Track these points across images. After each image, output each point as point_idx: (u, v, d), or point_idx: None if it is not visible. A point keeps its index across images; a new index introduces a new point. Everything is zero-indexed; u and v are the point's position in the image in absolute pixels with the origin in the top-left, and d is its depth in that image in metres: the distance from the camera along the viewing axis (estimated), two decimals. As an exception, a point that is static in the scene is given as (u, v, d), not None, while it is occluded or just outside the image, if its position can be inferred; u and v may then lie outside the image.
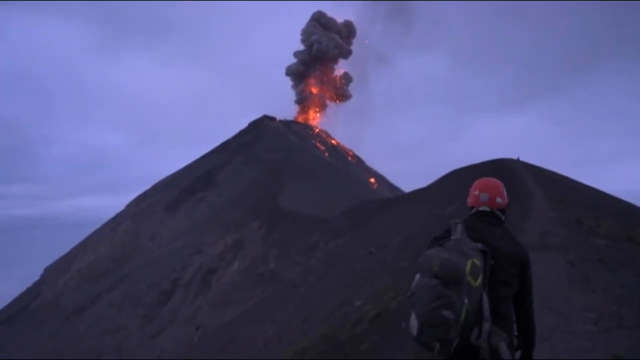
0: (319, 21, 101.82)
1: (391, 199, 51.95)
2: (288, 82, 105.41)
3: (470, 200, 3.71)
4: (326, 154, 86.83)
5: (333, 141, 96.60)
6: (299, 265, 40.42)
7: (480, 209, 3.60)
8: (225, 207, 60.44)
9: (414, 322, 3.08)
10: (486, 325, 3.11)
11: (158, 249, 58.70)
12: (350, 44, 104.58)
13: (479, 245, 3.24)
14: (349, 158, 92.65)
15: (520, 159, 36.47)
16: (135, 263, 57.90)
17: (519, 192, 23.30)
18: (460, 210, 26.34)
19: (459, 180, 35.48)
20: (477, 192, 3.65)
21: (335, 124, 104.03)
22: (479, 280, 3.09)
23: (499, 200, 3.59)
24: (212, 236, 53.98)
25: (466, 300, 3.02)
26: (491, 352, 3.11)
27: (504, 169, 32.03)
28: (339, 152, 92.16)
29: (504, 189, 3.67)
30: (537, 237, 12.59)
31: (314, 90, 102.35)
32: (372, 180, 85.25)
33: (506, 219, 3.66)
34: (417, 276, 3.25)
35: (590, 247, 11.94)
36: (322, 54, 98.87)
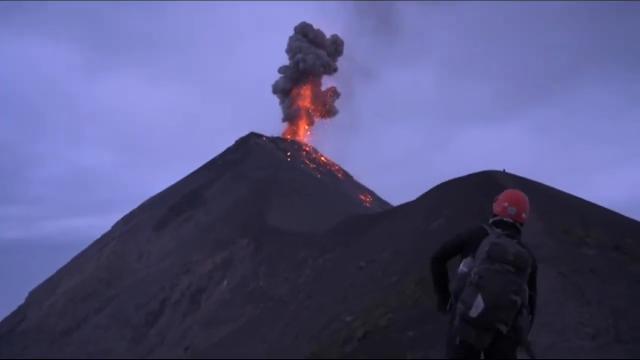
0: (305, 34, 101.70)
1: (379, 214, 52.02)
2: (275, 99, 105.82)
3: (497, 209, 4.01)
4: (314, 170, 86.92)
5: (321, 157, 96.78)
6: (289, 282, 40.17)
7: (505, 219, 3.93)
8: (213, 225, 60.08)
9: (478, 304, 3.38)
10: (525, 311, 3.56)
11: (146, 269, 58.04)
12: (336, 60, 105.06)
13: (525, 244, 3.74)
14: (337, 174, 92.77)
15: (506, 171, 36.70)
16: (122, 284, 57.16)
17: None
18: (446, 225, 26.42)
19: (445, 194, 35.63)
20: (506, 204, 3.96)
21: (323, 140, 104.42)
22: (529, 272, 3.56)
23: (524, 216, 3.96)
24: (201, 255, 53.54)
25: (526, 288, 3.47)
26: (515, 331, 3.53)
27: (490, 181, 32.22)
28: (327, 169, 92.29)
29: (529, 204, 4.05)
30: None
31: (302, 107, 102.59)
32: (364, 197, 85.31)
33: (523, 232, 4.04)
34: (470, 260, 3.69)
35: (580, 257, 11.96)
36: (308, 71, 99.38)
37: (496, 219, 3.96)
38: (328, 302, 27.32)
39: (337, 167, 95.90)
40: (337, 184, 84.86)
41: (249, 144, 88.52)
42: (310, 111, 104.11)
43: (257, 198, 62.95)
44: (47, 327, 56.36)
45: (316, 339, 19.63)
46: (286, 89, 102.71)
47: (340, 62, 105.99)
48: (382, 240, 34.07)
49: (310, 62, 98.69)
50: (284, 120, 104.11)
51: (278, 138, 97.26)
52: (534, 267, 3.76)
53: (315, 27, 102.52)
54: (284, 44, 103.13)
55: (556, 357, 6.70)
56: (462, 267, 3.72)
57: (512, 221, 3.90)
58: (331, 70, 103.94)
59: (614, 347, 7.08)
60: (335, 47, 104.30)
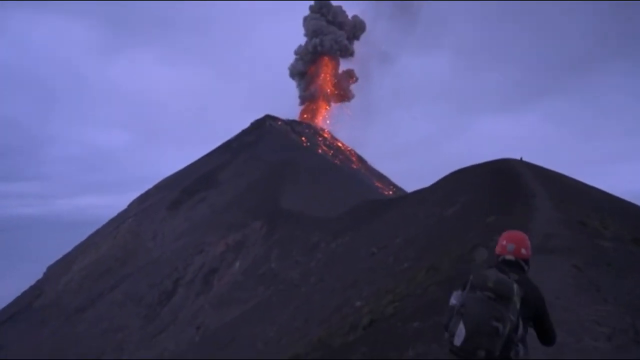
0: (323, 13, 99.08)
1: (392, 199, 51.77)
2: (291, 81, 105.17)
3: (498, 249, 4.06)
4: (329, 154, 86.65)
5: (336, 141, 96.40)
6: (300, 265, 40.29)
7: (507, 257, 3.98)
8: (227, 207, 60.35)
9: (460, 331, 3.41)
10: (520, 344, 3.55)
11: (160, 248, 58.65)
12: (354, 42, 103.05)
13: (515, 277, 3.71)
14: (352, 158, 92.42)
15: (523, 159, 36.25)
16: (136, 262, 57.87)
17: (522, 192, 23.09)
18: (461, 212, 26.16)
19: (461, 180, 35.28)
20: (504, 242, 4.03)
21: (338, 123, 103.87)
22: (519, 304, 3.50)
23: (523, 251, 3.98)
24: (214, 236, 53.89)
25: (512, 317, 3.41)
26: None
27: (506, 170, 31.82)
28: (341, 152, 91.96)
29: (529, 242, 4.08)
30: (541, 238, 12.33)
31: (318, 89, 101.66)
32: (378, 182, 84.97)
33: (528, 269, 4.03)
34: (459, 292, 3.68)
35: (597, 250, 11.51)
36: (325, 53, 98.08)
37: (499, 259, 4.02)
38: (339, 286, 27.34)
39: (351, 152, 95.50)
40: (351, 169, 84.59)
41: (264, 126, 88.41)
42: (327, 94, 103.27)
43: (271, 181, 63.01)
44: (62, 302, 57.41)
45: (326, 322, 19.66)
46: (303, 71, 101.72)
47: (357, 46, 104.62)
48: (395, 226, 33.92)
49: (328, 43, 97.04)
50: (300, 103, 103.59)
51: (293, 121, 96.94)
52: (537, 302, 3.76)
53: (335, 4, 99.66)
54: (300, 25, 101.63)
55: (564, 357, 6.22)
56: (452, 300, 3.74)
57: (513, 258, 3.95)
58: (348, 53, 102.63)
59: (632, 349, 6.51)
60: (355, 30, 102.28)
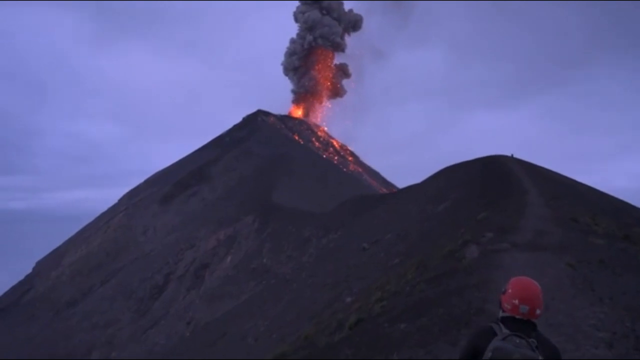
0: (320, 5, 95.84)
1: (384, 195, 51.83)
2: (283, 77, 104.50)
3: (507, 307, 3.47)
4: (321, 149, 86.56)
5: (328, 137, 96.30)
6: (292, 260, 40.28)
7: (517, 317, 3.42)
8: (218, 201, 60.19)
9: None
10: None
11: (151, 243, 58.40)
12: (349, 34, 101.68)
13: (535, 342, 3.22)
14: (344, 154, 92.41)
15: (514, 156, 36.40)
16: (127, 257, 57.60)
17: (513, 188, 23.18)
18: (452, 208, 26.20)
19: (452, 177, 35.36)
20: (516, 302, 3.42)
21: (330, 119, 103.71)
22: None
23: (538, 312, 3.42)
24: (206, 231, 53.74)
25: None
26: None
27: (497, 166, 31.94)
28: (333, 148, 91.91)
29: (542, 296, 3.49)
30: (532, 235, 12.36)
31: (314, 82, 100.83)
32: (370, 178, 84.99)
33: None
34: None
35: (589, 247, 11.47)
36: (319, 45, 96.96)
37: (506, 315, 3.47)
38: (330, 281, 27.36)
39: (343, 147, 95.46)
40: (343, 164, 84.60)
41: (256, 121, 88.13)
42: (322, 88, 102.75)
43: (262, 175, 62.89)
44: (53, 296, 57.06)
45: (317, 317, 19.66)
46: (296, 66, 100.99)
47: (349, 40, 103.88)
48: (386, 222, 33.97)
49: (323, 37, 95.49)
50: (293, 99, 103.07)
51: (285, 116, 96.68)
52: (555, 357, 3.35)
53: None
54: (292, 18, 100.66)
55: None
56: None
57: (525, 319, 3.41)
58: (341, 48, 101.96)
59: (634, 357, 6.14)
60: (352, 25, 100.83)
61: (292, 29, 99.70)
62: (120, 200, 78.44)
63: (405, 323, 8.24)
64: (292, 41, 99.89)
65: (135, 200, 73.67)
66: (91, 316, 48.97)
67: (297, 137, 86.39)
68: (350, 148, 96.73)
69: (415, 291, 10.11)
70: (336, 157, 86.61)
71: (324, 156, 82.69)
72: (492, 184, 26.76)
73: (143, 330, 43.90)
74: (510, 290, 3.48)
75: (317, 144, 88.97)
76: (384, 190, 70.76)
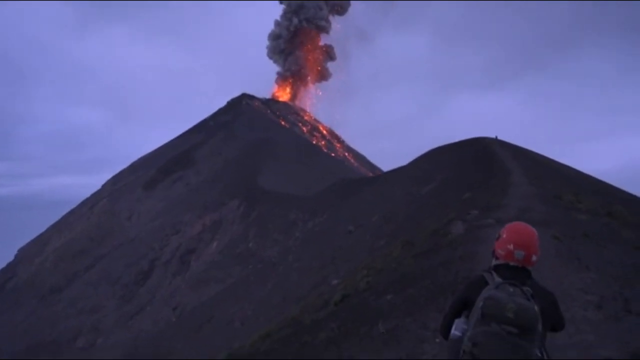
0: None
1: (369, 178, 51.92)
2: (268, 60, 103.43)
3: (500, 252, 3.20)
4: (306, 133, 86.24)
5: (314, 120, 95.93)
6: (278, 244, 40.25)
7: (512, 264, 3.16)
8: (203, 186, 59.80)
9: None
10: None
11: (136, 228, 57.95)
12: (334, 15, 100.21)
13: (530, 290, 2.91)
14: (329, 138, 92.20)
15: (498, 138, 36.57)
16: (112, 242, 57.14)
17: (497, 169, 23.28)
18: (437, 190, 26.26)
19: (438, 159, 35.45)
20: (511, 247, 3.16)
21: (315, 103, 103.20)
22: (541, 326, 2.80)
23: (534, 258, 3.16)
24: (191, 216, 53.43)
25: (538, 354, 2.71)
26: None
27: (482, 148, 32.06)
28: (319, 132, 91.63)
29: (539, 242, 3.23)
30: (517, 212, 12.41)
31: (295, 68, 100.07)
32: (355, 161, 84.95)
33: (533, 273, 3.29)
34: (463, 320, 2.97)
35: (573, 222, 11.57)
36: (305, 25, 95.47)
37: (499, 262, 3.19)
38: (316, 264, 27.39)
39: (330, 131, 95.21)
40: (328, 148, 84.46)
41: (241, 105, 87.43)
42: (305, 72, 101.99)
43: (248, 160, 62.54)
44: (37, 283, 56.50)
45: (303, 300, 19.66)
46: (281, 49, 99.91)
47: (334, 22, 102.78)
48: (372, 204, 34.01)
49: (309, 18, 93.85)
50: (278, 81, 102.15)
51: (270, 100, 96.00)
52: (555, 312, 3.11)
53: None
54: (276, 3, 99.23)
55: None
56: (454, 331, 3.01)
57: (520, 265, 3.13)
58: (326, 30, 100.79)
59: (625, 319, 6.01)
60: (338, 7, 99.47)
61: (277, 12, 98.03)
62: (104, 185, 77.61)
63: (392, 294, 8.19)
64: (277, 24, 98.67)
65: (119, 185, 72.94)
66: (76, 302, 48.61)
67: (282, 121, 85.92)
68: (336, 132, 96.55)
69: (401, 267, 10.10)
70: (322, 141, 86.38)
71: (310, 140, 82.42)
72: (476, 166, 26.86)
73: (129, 316, 43.73)
74: (504, 236, 3.23)
75: (302, 127, 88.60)
76: (371, 174, 70.85)
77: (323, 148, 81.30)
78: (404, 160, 41.88)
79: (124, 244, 55.34)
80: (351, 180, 50.27)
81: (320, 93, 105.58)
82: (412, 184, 32.16)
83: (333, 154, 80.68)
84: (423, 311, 7.08)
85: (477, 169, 25.55)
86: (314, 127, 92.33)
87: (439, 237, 11.34)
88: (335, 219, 36.84)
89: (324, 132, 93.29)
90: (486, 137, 36.56)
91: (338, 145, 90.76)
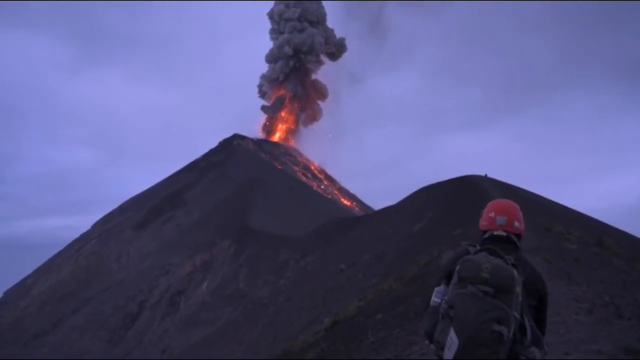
0: (302, 18, 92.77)
1: (361, 217, 51.88)
2: (260, 101, 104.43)
3: (483, 223, 3.30)
4: (297, 173, 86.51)
5: (304, 160, 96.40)
6: (269, 284, 39.76)
7: (496, 233, 3.22)
8: (194, 226, 59.39)
9: (451, 341, 2.62)
10: (530, 346, 2.77)
11: (124, 270, 57.10)
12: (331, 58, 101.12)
13: (511, 258, 2.87)
14: (320, 177, 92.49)
15: (488, 176, 36.83)
16: (100, 285, 56.13)
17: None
18: (428, 228, 26.26)
19: (427, 197, 35.57)
20: (492, 214, 3.26)
21: (306, 143, 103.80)
22: (522, 294, 2.73)
23: (516, 224, 3.25)
24: (181, 256, 52.84)
25: (516, 314, 2.64)
26: None
27: (471, 185, 32.24)
28: (309, 171, 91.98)
29: (521, 212, 3.33)
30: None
31: (286, 112, 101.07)
32: (346, 201, 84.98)
33: (521, 246, 3.32)
34: (442, 288, 2.94)
35: (563, 249, 11.58)
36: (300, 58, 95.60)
37: (485, 235, 3.24)
38: (307, 304, 27.03)
39: (319, 170, 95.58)
40: (319, 187, 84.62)
41: (232, 145, 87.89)
42: (297, 113, 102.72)
43: (239, 199, 62.43)
44: (21, 327, 55.07)
45: (294, 340, 19.30)
46: (274, 89, 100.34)
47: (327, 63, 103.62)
48: (363, 243, 33.89)
49: (305, 44, 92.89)
50: (268, 121, 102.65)
51: (262, 140, 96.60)
52: (541, 295, 3.06)
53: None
54: (268, 45, 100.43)
55: (548, 330, 5.61)
56: (434, 298, 2.98)
57: (504, 234, 3.18)
58: (317, 69, 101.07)
59: (616, 322, 6.08)
60: (336, 49, 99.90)
61: (266, 50, 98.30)
62: (93, 226, 76.83)
63: (382, 314, 8.09)
64: (272, 67, 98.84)
65: (108, 226, 72.24)
66: (61, 347, 47.33)
67: (273, 161, 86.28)
68: (327, 171, 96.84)
69: (392, 292, 10.00)
70: (314, 181, 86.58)
71: (301, 179, 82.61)
72: (466, 202, 26.95)
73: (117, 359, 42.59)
74: (485, 209, 3.37)
75: (294, 167, 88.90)
76: (362, 213, 70.78)
77: (314, 187, 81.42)
78: (396, 199, 41.90)
79: (112, 286, 54.38)
80: (342, 220, 50.20)
81: (312, 133, 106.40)
82: (402, 222, 32.16)
83: (324, 194, 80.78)
84: (413, 322, 6.98)
85: (467, 206, 25.63)
86: (306, 167, 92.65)
87: (431, 267, 11.28)
88: (327, 258, 36.58)
89: (316, 171, 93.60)
90: (475, 175, 36.84)
91: (329, 184, 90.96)
